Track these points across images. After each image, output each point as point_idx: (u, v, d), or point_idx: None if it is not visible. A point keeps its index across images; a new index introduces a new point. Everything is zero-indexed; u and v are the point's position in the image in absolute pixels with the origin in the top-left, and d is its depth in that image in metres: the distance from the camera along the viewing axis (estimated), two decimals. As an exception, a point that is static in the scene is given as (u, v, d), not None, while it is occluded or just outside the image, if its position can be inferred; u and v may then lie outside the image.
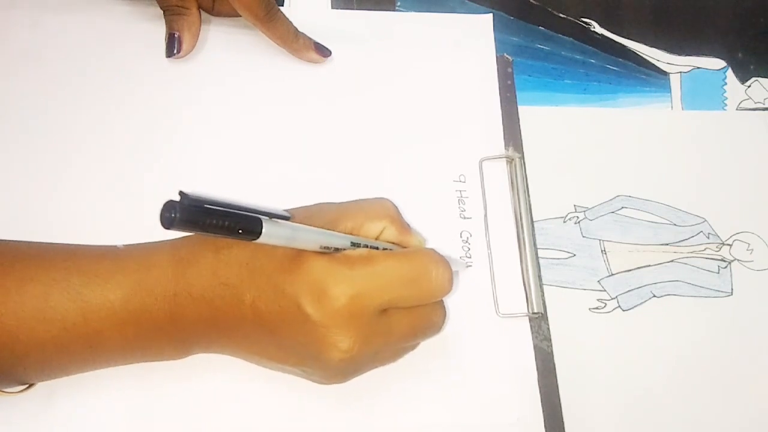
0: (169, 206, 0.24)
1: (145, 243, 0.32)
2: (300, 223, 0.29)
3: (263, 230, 0.26)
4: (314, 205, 0.33)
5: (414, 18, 0.45)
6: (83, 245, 0.31)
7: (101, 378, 0.33)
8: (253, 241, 0.26)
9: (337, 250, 0.30)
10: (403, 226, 0.33)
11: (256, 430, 0.34)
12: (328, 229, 0.30)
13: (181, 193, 0.24)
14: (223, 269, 0.30)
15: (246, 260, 0.30)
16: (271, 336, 0.30)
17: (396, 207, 0.33)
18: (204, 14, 0.42)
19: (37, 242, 0.31)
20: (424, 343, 0.35)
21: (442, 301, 0.34)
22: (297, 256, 0.29)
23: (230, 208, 0.25)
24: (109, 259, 0.30)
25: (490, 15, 0.45)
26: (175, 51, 0.40)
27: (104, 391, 0.33)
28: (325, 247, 0.30)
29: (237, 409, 0.34)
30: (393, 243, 0.33)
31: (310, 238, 0.29)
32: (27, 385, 0.32)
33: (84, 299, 0.29)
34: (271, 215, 0.27)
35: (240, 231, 0.26)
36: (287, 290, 0.29)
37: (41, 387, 0.32)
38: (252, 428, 0.34)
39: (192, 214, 0.24)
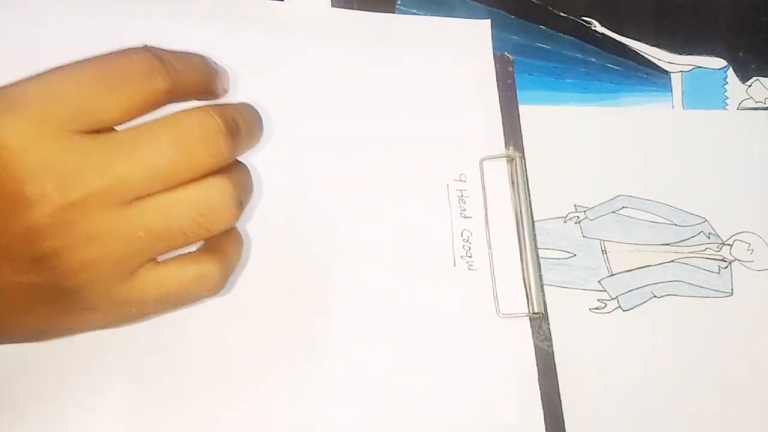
0: None
1: None
2: None
3: None
4: None
5: (413, 20, 0.45)
6: None
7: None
8: None
9: None
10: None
11: (247, 426, 0.34)
12: None
13: None
14: None
15: None
16: None
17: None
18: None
19: None
20: (423, 342, 0.35)
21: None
22: None
23: None
24: None
25: (488, 21, 0.45)
26: None
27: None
28: None
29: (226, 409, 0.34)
30: None
31: None
32: None
33: None
34: None
35: None
36: None
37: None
38: (243, 424, 0.34)
39: None
